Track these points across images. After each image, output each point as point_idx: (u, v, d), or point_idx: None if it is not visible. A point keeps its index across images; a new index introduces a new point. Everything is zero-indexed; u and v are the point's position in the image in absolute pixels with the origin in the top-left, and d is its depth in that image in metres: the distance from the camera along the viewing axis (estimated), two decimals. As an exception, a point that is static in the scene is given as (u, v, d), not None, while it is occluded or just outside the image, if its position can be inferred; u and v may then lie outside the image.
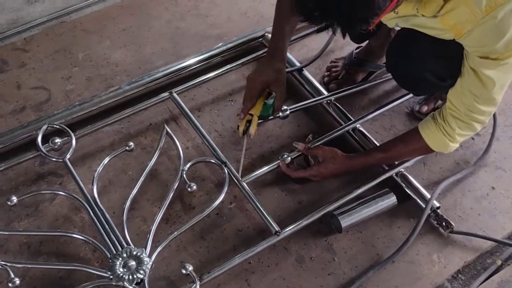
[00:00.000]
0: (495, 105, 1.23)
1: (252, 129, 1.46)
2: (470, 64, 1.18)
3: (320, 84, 1.75)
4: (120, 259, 1.27)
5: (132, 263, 1.26)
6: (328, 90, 1.73)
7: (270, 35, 1.83)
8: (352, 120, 1.61)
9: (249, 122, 1.47)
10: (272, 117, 1.51)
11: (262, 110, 1.48)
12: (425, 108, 1.66)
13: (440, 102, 1.65)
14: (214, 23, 1.98)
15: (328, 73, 1.80)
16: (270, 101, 1.48)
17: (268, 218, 1.38)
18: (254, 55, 1.80)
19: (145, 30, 1.97)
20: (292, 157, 1.50)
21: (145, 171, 1.45)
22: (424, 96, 1.68)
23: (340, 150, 1.47)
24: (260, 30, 1.88)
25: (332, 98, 1.68)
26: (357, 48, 1.79)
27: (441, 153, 1.38)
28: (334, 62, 1.82)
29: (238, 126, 1.48)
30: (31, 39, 1.93)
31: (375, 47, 1.73)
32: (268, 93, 1.49)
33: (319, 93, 1.72)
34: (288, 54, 1.78)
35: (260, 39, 1.88)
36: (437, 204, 1.42)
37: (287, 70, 1.71)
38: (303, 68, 1.79)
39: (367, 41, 1.74)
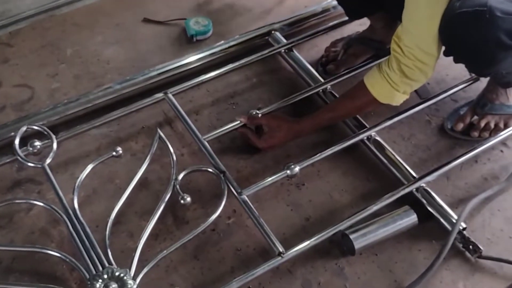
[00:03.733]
0: (429, 49, 1.23)
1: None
2: None
3: (316, 70, 1.66)
4: (100, 281, 1.13)
5: (114, 286, 1.12)
6: (325, 73, 1.65)
7: (277, 33, 1.73)
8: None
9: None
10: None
11: None
12: (460, 126, 1.51)
13: (476, 117, 1.51)
14: (216, 19, 1.85)
15: (327, 53, 1.71)
16: None
17: (271, 237, 1.23)
18: (258, 54, 1.66)
19: (141, 26, 1.85)
20: (259, 113, 1.47)
21: (134, 179, 1.32)
22: (456, 112, 1.56)
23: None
24: (266, 27, 1.76)
25: (328, 86, 1.57)
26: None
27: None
28: (334, 43, 1.73)
29: None
30: (17, 33, 1.82)
31: (377, 28, 1.64)
32: None
33: (312, 78, 1.62)
34: (279, 35, 1.74)
35: (266, 37, 1.75)
36: (464, 225, 1.27)
37: (273, 48, 1.68)
38: (293, 48, 1.69)
39: (370, 25, 1.67)
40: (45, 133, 1.39)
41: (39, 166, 1.34)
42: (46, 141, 1.38)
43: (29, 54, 1.74)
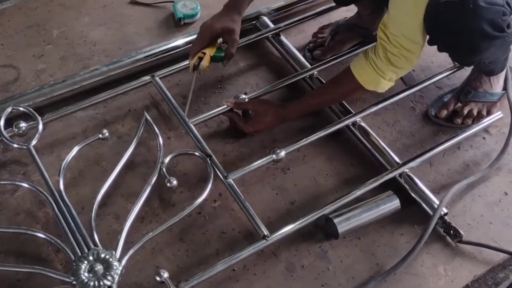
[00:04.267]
0: (414, 37, 1.24)
1: (205, 62, 1.39)
2: None
3: (304, 56, 1.66)
4: (86, 262, 1.13)
5: (99, 267, 1.12)
6: (312, 58, 1.65)
7: (264, 18, 1.72)
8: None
9: (200, 59, 1.40)
10: (222, 62, 1.46)
11: (215, 52, 1.43)
12: (444, 113, 1.51)
13: (459, 105, 1.52)
14: (205, 2, 1.83)
15: (314, 39, 1.71)
16: (222, 51, 1.45)
17: (256, 220, 1.24)
18: (246, 38, 1.64)
19: (128, 8, 1.83)
20: (246, 98, 1.47)
21: (121, 162, 1.32)
22: (440, 99, 1.57)
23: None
24: (254, 12, 1.74)
25: (315, 71, 1.57)
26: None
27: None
28: (322, 29, 1.73)
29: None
30: (2, 13, 1.79)
31: (364, 15, 1.64)
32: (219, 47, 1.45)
33: (299, 63, 1.62)
34: (267, 20, 1.73)
35: (254, 22, 1.74)
36: (445, 210, 1.28)
37: (261, 32, 1.67)
38: (280, 33, 1.69)
39: (357, 12, 1.66)
40: (31, 114, 1.37)
41: (25, 147, 1.32)
42: (32, 123, 1.37)
43: (15, 35, 1.71)
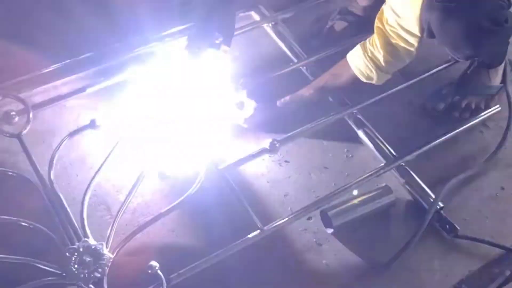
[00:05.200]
0: (412, 29, 1.22)
1: None
2: None
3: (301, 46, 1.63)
4: (76, 254, 1.11)
5: (89, 259, 1.11)
6: (310, 48, 1.63)
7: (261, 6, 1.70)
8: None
9: None
10: None
11: None
12: (442, 105, 1.50)
13: (457, 98, 1.50)
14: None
15: (311, 28, 1.71)
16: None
17: (250, 212, 1.22)
18: (242, 26, 1.62)
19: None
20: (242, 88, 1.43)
21: (112, 152, 1.28)
22: (438, 91, 1.55)
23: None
24: (252, -1, 1.72)
25: (312, 61, 1.56)
26: None
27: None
28: (320, 18, 1.72)
29: None
30: None
31: (363, 6, 1.63)
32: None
33: (296, 53, 1.61)
34: (263, 8, 1.71)
35: (251, 10, 1.71)
36: (441, 205, 1.28)
37: (258, 20, 1.67)
38: (278, 21, 1.67)
39: (356, 2, 1.65)
40: (21, 102, 1.35)
41: (15, 136, 1.30)
42: (22, 109, 1.34)
43: (5, 20, 1.68)
